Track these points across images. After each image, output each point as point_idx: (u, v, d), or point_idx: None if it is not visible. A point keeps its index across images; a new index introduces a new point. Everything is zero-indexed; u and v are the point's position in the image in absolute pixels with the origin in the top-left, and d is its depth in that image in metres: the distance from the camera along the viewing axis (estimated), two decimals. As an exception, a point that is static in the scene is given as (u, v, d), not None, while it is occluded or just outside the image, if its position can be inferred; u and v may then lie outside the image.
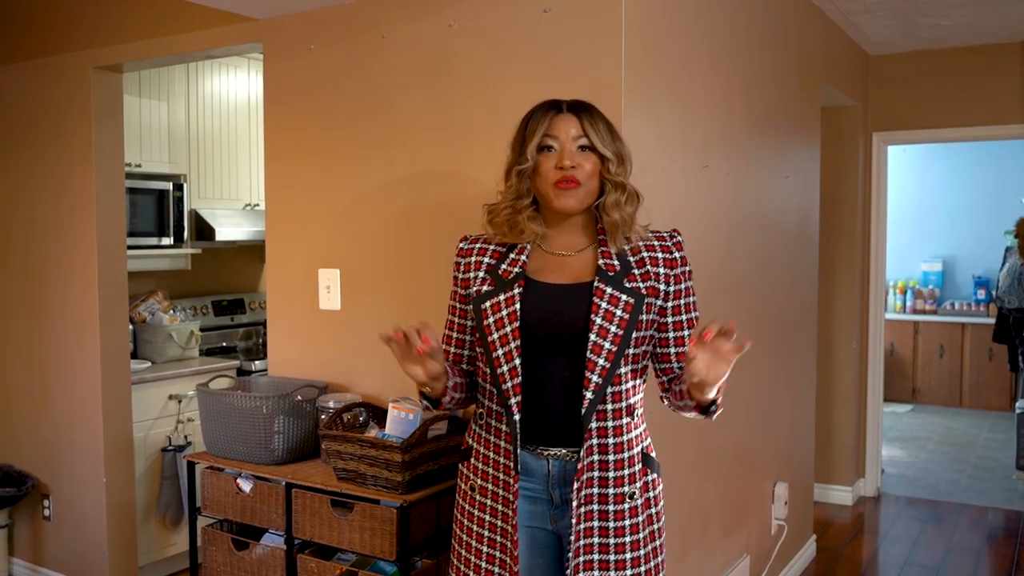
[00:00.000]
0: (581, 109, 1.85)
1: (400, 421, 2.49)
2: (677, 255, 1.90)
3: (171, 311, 4.48)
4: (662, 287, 1.87)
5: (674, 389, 1.89)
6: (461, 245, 2.00)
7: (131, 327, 4.20)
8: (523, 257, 1.89)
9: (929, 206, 8.38)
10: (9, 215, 3.97)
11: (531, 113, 1.88)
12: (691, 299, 1.93)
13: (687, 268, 1.91)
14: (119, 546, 3.76)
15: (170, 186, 4.33)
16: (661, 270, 1.88)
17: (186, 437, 4.08)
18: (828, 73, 4.39)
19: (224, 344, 4.86)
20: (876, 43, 4.94)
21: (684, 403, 1.86)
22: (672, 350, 1.93)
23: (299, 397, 2.76)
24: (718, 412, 1.84)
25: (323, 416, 2.73)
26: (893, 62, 5.17)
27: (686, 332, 1.92)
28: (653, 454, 1.95)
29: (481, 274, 1.92)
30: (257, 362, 4.41)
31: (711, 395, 1.75)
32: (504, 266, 1.90)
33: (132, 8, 3.47)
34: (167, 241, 4.34)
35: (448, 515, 2.50)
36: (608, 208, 1.84)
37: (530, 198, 1.87)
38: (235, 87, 4.67)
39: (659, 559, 1.91)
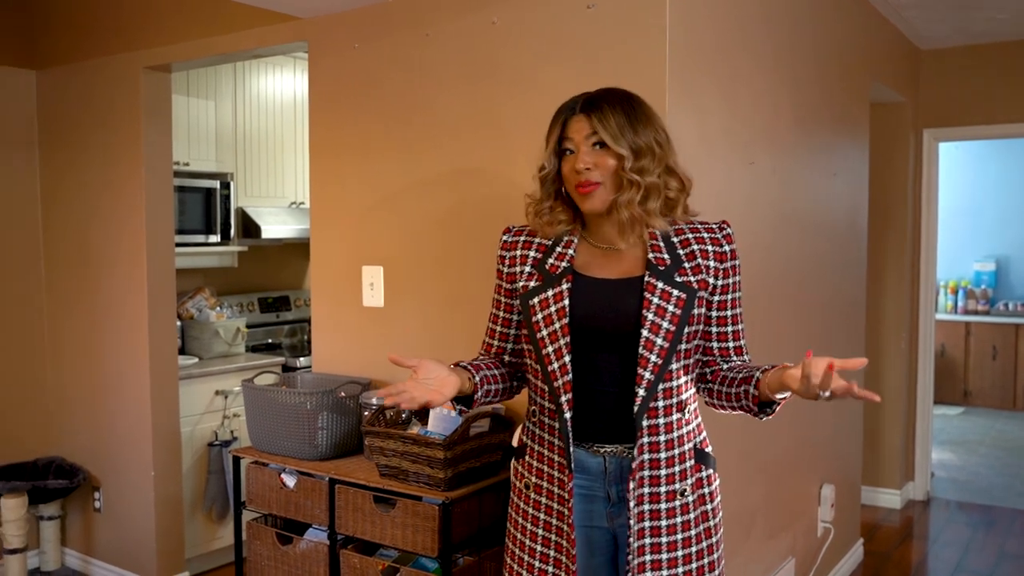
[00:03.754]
0: (593, 107, 1.79)
1: (443, 418, 2.50)
2: (727, 248, 1.87)
3: (218, 308, 4.54)
4: (711, 280, 1.84)
5: (728, 388, 1.84)
6: (505, 238, 1.97)
7: (179, 323, 4.26)
8: (570, 251, 1.87)
9: (982, 204, 8.19)
10: (61, 213, 4.06)
11: (554, 116, 1.86)
12: (738, 294, 1.90)
13: (736, 262, 1.88)
14: (167, 538, 3.82)
15: (217, 184, 4.39)
16: (712, 263, 1.85)
17: (232, 432, 4.13)
18: (877, 69, 4.31)
19: (270, 341, 4.92)
20: (927, 38, 4.84)
21: (741, 403, 1.82)
22: (716, 344, 1.89)
23: (343, 393, 2.77)
24: (771, 416, 1.82)
25: (366, 412, 2.74)
26: (945, 57, 5.06)
27: (730, 328, 1.89)
28: (708, 449, 1.91)
29: (528, 268, 1.89)
30: (302, 359, 4.45)
31: (780, 396, 1.73)
32: (551, 260, 1.87)
33: (180, 9, 3.52)
34: (214, 239, 4.40)
35: (490, 513, 2.50)
36: (619, 206, 1.80)
37: (553, 200, 1.87)
38: (281, 86, 4.72)
39: (714, 556, 1.87)
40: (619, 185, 1.80)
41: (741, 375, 1.83)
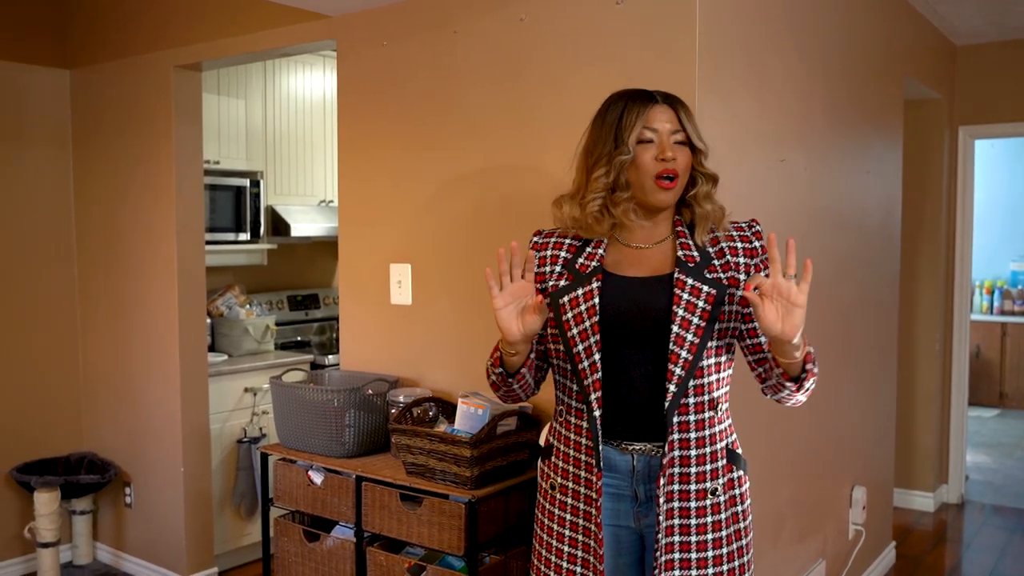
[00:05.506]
0: (675, 100, 1.82)
1: (469, 416, 2.49)
2: (757, 244, 1.86)
3: (247, 305, 4.57)
4: (742, 277, 1.83)
5: (773, 378, 1.80)
6: (535, 239, 1.97)
7: (209, 321, 4.29)
8: (600, 251, 1.87)
9: (1018, 202, 8.05)
10: (93, 211, 4.10)
11: (624, 103, 1.81)
12: None
13: (767, 257, 1.86)
14: (196, 534, 3.85)
15: (247, 183, 4.41)
16: (741, 260, 1.84)
17: (261, 429, 4.16)
18: (911, 65, 4.25)
19: (299, 339, 4.94)
20: (962, 33, 4.77)
21: (781, 383, 1.77)
22: (763, 339, 1.86)
23: (370, 391, 2.78)
24: (811, 380, 1.76)
25: (393, 410, 2.74)
26: (981, 52, 4.98)
27: None
28: (739, 451, 1.90)
29: (558, 268, 1.89)
30: (330, 356, 4.47)
31: (797, 354, 1.68)
32: (581, 260, 1.87)
33: (210, 8, 3.54)
34: (244, 237, 4.43)
35: (517, 512, 2.49)
36: (700, 200, 1.83)
37: (629, 191, 1.82)
38: (311, 85, 4.74)
39: (744, 559, 1.85)
40: (688, 180, 1.83)
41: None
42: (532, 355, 1.88)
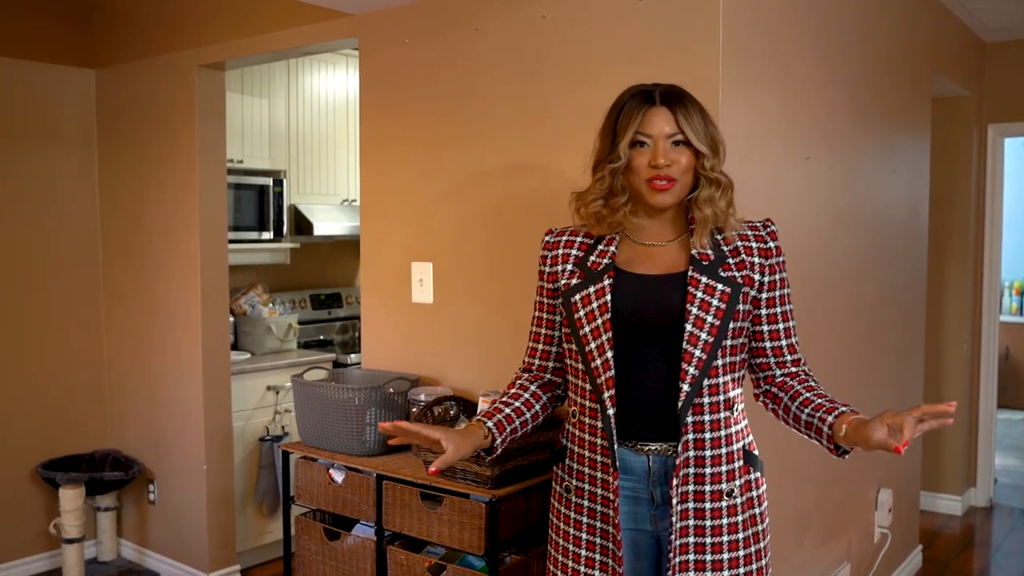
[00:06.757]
0: (675, 101, 1.77)
1: (490, 415, 2.47)
2: (772, 244, 1.84)
3: (270, 304, 4.58)
4: (757, 277, 1.81)
5: (795, 412, 1.81)
6: (547, 238, 1.96)
7: (232, 319, 4.31)
8: (612, 248, 1.85)
9: (1050, 202, 7.92)
10: (118, 209, 4.13)
11: (622, 104, 1.81)
12: (785, 291, 1.86)
13: (781, 259, 1.85)
14: (218, 531, 3.87)
15: (270, 182, 4.43)
16: (756, 260, 1.82)
17: (283, 427, 4.17)
18: (939, 62, 4.19)
19: (321, 337, 4.95)
20: (992, 29, 4.70)
21: (809, 433, 1.79)
22: (768, 344, 1.85)
23: (391, 389, 2.77)
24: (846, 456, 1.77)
25: (414, 409, 2.74)
26: (1011, 49, 4.91)
27: (781, 325, 1.85)
28: (756, 452, 1.87)
29: (569, 267, 1.88)
30: (353, 355, 4.48)
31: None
32: (593, 258, 1.85)
33: (233, 7, 3.56)
34: (267, 236, 4.44)
35: (537, 511, 2.48)
36: (701, 203, 1.78)
37: (626, 195, 1.82)
38: (334, 85, 4.75)
39: (762, 562, 1.83)
40: (692, 181, 1.79)
41: (819, 403, 1.78)
42: (504, 415, 1.88)
